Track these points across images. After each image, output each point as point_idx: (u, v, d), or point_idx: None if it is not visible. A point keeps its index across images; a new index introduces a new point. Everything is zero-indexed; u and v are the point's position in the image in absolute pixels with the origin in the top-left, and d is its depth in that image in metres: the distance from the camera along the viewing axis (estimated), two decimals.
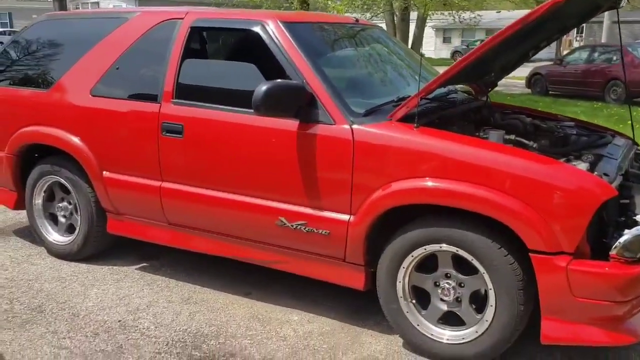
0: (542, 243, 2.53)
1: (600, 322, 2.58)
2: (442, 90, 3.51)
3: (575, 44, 36.39)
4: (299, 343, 3.05)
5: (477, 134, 3.11)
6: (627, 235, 2.52)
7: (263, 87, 2.86)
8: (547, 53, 38.20)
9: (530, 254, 2.57)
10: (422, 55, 4.02)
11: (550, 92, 16.28)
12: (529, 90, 16.98)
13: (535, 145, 2.97)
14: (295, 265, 3.26)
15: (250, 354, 2.94)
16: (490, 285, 2.68)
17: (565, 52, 22.86)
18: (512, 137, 3.01)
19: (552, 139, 3.26)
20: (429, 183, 2.73)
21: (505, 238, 2.64)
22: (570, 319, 2.58)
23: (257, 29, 3.28)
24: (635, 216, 2.70)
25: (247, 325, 3.23)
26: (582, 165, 2.76)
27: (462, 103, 3.63)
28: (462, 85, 3.90)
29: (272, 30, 3.23)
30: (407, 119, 2.90)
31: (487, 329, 2.72)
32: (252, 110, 2.96)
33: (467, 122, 3.40)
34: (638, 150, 3.55)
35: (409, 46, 14.12)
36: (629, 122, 11.64)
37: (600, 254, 2.58)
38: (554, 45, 39.08)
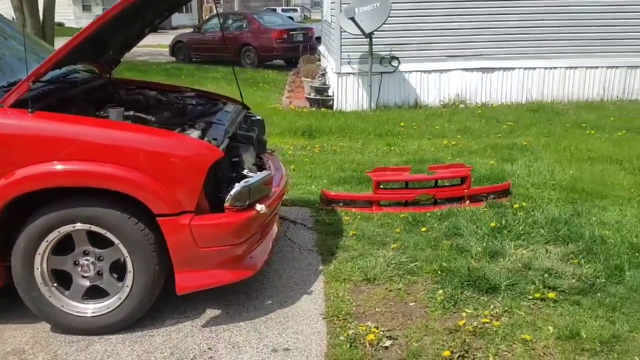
0: (165, 207, 2.83)
1: (226, 264, 3.04)
2: (61, 71, 3.48)
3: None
4: None
5: (98, 112, 3.21)
6: (236, 187, 3.00)
7: None
8: (190, 20, 39.54)
9: (157, 218, 2.85)
10: (24, 33, 3.85)
11: (193, 59, 17.12)
12: (174, 59, 17.54)
13: (153, 118, 3.23)
14: None
15: None
16: (126, 253, 2.89)
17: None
18: (131, 113, 3.21)
19: (172, 111, 3.59)
20: (52, 167, 2.75)
21: (134, 207, 2.86)
22: (200, 268, 2.98)
23: None
24: (243, 171, 3.22)
25: None
26: (195, 133, 3.14)
27: (84, 82, 3.67)
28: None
29: None
30: (21, 104, 2.83)
31: (129, 293, 2.94)
32: None
33: (91, 101, 3.47)
34: (249, 113, 4.15)
35: (41, 16, 12.93)
36: (261, 83, 13.03)
37: (220, 207, 3.01)
38: (196, 12, 40.66)
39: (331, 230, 4.39)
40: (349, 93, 9.96)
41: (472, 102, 9.97)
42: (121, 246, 2.87)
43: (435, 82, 9.99)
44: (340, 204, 4.90)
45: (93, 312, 2.95)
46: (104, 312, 2.96)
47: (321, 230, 4.42)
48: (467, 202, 4.81)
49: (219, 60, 16.36)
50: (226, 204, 2.98)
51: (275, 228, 3.72)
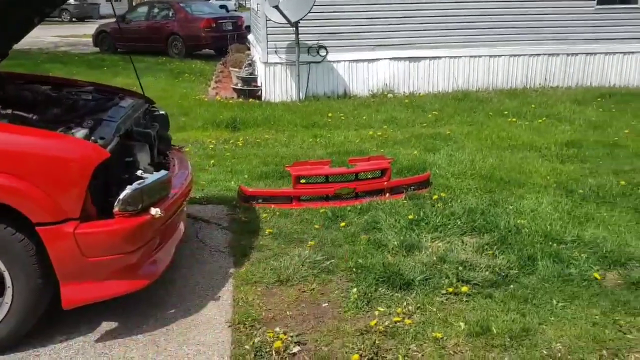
0: (46, 215, 2.57)
1: (119, 274, 2.80)
2: None
3: None
4: None
5: None
6: (126, 190, 2.75)
7: None
8: (119, 9, 37.91)
9: (36, 227, 2.58)
10: None
11: (118, 49, 16.38)
12: (99, 49, 16.77)
13: (36, 117, 2.94)
14: None
15: None
16: (3, 267, 2.61)
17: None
18: (9, 111, 2.91)
19: (61, 108, 3.29)
20: None
21: (11, 216, 2.58)
22: (89, 279, 2.73)
23: None
24: (137, 172, 2.98)
25: None
26: (81, 132, 2.86)
27: None
28: None
29: None
30: None
31: (8, 310, 2.65)
32: None
33: None
34: (152, 108, 3.88)
35: None
36: (187, 74, 12.53)
37: (111, 213, 2.76)
38: (125, 0, 39.06)
39: (247, 229, 4.21)
40: (277, 83, 9.75)
41: (400, 91, 9.96)
42: None
43: (363, 72, 9.92)
44: (259, 201, 4.71)
45: None
46: None
47: (236, 229, 4.22)
48: (387, 194, 4.73)
49: (145, 50, 15.70)
50: (115, 209, 2.74)
51: (181, 229, 3.50)
